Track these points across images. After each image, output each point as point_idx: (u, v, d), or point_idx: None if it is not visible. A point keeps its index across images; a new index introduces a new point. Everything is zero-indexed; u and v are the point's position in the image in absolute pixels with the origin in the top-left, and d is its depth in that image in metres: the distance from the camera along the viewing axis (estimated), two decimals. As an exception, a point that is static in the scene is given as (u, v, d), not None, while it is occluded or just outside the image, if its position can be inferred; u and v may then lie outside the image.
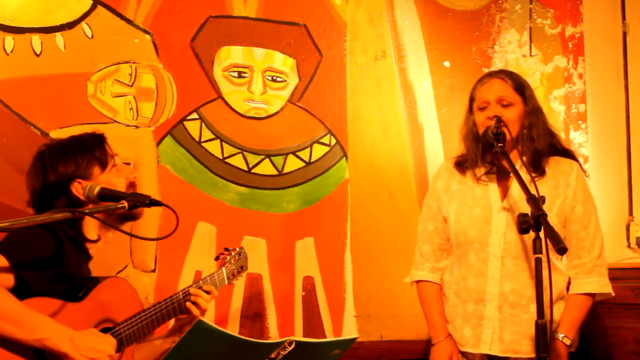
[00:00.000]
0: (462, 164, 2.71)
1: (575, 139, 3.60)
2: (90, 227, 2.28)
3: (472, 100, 2.68)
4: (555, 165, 2.63)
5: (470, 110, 2.69)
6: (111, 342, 2.09)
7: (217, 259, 2.57)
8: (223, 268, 2.52)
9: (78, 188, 2.24)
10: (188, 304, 2.34)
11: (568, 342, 2.53)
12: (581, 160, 3.17)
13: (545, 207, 2.50)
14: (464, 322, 2.62)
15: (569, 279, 2.63)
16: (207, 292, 2.38)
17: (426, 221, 2.76)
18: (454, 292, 2.66)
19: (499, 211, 2.59)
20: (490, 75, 2.68)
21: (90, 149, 2.31)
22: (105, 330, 2.16)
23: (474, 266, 2.61)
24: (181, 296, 2.35)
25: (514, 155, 2.55)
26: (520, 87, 2.62)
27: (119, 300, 2.24)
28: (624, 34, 3.76)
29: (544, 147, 2.61)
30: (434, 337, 2.69)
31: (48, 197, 2.25)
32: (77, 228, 2.25)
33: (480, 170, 2.65)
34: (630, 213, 3.68)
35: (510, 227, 2.54)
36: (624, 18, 3.76)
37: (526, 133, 2.60)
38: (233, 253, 2.59)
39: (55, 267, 2.11)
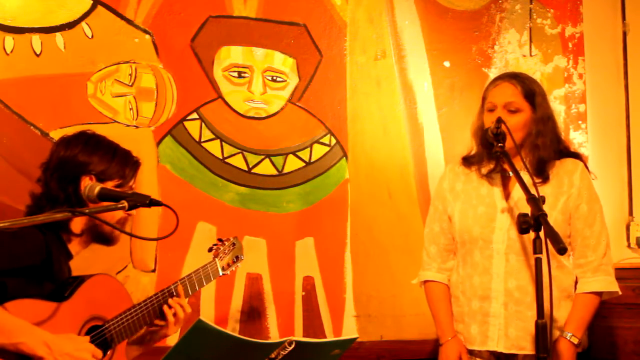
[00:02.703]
0: (468, 159, 2.73)
1: (575, 139, 3.60)
2: (78, 223, 2.27)
3: (483, 99, 2.69)
4: (559, 165, 2.64)
5: (482, 108, 2.69)
6: (89, 348, 2.06)
7: (210, 250, 2.56)
8: (217, 259, 2.52)
9: (87, 182, 2.24)
10: (165, 307, 2.32)
11: (576, 342, 2.53)
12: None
13: (549, 205, 2.53)
14: (470, 319, 2.63)
15: (576, 277, 2.63)
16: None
17: (432, 222, 2.77)
18: (461, 290, 2.67)
19: (503, 209, 2.60)
20: (503, 78, 2.67)
21: (126, 164, 2.33)
22: (94, 328, 2.15)
23: (478, 264, 2.62)
24: (172, 290, 2.35)
25: (517, 159, 2.55)
26: (531, 94, 2.61)
27: (107, 297, 2.23)
28: (624, 34, 3.76)
29: (549, 154, 2.61)
30: (442, 337, 2.70)
31: (64, 174, 2.24)
32: (64, 222, 2.24)
33: (486, 167, 2.65)
34: (630, 213, 3.68)
35: (514, 225, 2.54)
36: (624, 18, 3.76)
37: (532, 141, 2.60)
38: (227, 243, 2.58)
39: (42, 268, 2.10)
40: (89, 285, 2.18)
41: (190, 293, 2.40)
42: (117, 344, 2.19)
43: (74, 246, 2.28)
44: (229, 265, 2.56)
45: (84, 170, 2.25)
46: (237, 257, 2.59)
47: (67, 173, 2.24)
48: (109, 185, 2.27)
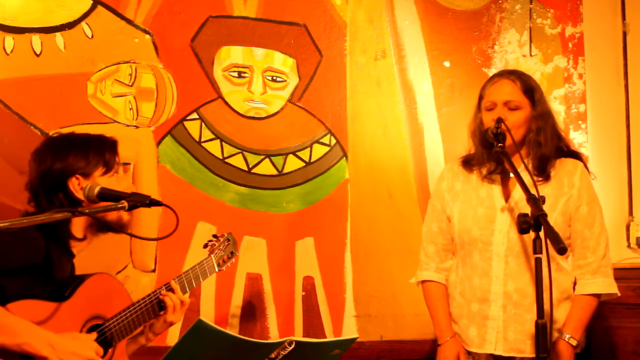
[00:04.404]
0: (469, 162, 2.72)
1: (575, 139, 3.60)
2: (78, 225, 2.26)
3: (481, 98, 2.67)
4: (559, 165, 2.64)
5: (479, 107, 2.68)
6: (92, 346, 2.07)
7: (205, 246, 2.56)
8: (212, 255, 2.52)
9: (75, 184, 2.23)
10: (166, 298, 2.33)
11: (574, 343, 2.53)
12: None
13: (549, 206, 2.53)
14: (469, 321, 2.63)
15: (575, 279, 2.63)
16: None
17: (430, 222, 2.77)
18: (460, 292, 2.66)
19: (502, 211, 2.59)
20: (501, 75, 2.66)
21: (103, 149, 2.30)
22: (95, 327, 2.16)
23: (478, 266, 2.61)
24: (169, 286, 2.35)
25: (517, 158, 2.55)
26: (530, 90, 2.61)
27: (106, 295, 2.23)
28: (624, 34, 3.76)
29: (551, 151, 2.60)
30: (440, 337, 2.69)
31: (48, 187, 2.23)
32: (64, 225, 2.23)
33: (486, 168, 2.65)
34: (630, 213, 3.68)
35: (514, 226, 2.53)
36: (624, 18, 3.76)
37: (533, 137, 2.59)
38: (222, 239, 2.58)
39: (43, 269, 2.10)
40: (88, 284, 2.18)
41: (187, 290, 2.40)
42: (118, 342, 2.20)
43: (76, 244, 2.27)
44: (224, 262, 2.57)
45: (66, 175, 2.23)
46: (231, 253, 2.61)
47: (52, 184, 2.23)
48: (97, 175, 2.26)
